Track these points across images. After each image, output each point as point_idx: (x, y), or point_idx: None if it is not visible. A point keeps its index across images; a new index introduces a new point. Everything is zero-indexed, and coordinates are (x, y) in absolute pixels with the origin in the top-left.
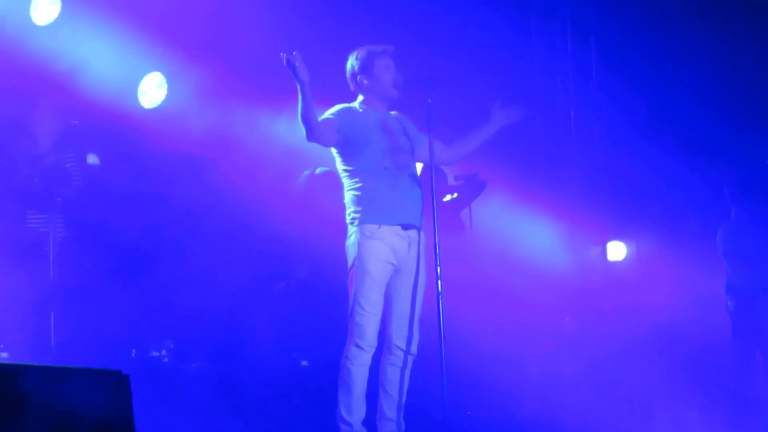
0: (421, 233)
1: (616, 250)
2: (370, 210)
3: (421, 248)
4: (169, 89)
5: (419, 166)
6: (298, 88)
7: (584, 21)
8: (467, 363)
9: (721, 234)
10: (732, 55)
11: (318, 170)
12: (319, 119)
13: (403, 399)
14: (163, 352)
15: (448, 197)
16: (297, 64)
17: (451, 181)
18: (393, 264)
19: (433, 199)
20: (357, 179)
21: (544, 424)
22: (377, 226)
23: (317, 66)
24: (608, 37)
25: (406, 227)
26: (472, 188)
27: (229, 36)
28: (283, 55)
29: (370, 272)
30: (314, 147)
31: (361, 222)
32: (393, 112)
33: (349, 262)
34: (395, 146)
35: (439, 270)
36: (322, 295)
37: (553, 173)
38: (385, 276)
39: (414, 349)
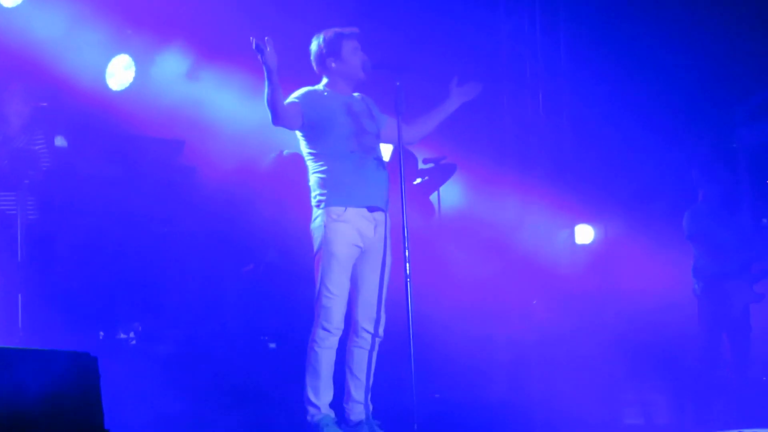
0: (387, 216)
1: (584, 234)
2: (336, 193)
3: (387, 230)
4: (136, 71)
5: (388, 149)
6: (265, 72)
7: (553, 3)
8: (435, 346)
9: (687, 217)
10: (700, 39)
11: (284, 152)
12: (285, 103)
13: (370, 381)
14: (131, 335)
15: (418, 180)
16: (267, 49)
17: (420, 165)
18: (359, 246)
19: (401, 182)
20: (322, 162)
21: (512, 407)
22: (343, 208)
23: (281, 47)
24: (576, 20)
25: (372, 209)
26: (442, 172)
27: (196, 18)
28: (253, 40)
29: (336, 255)
30: (281, 130)
31: (327, 204)
32: (356, 94)
33: (315, 245)
34: (360, 129)
35: (407, 253)
36: (290, 278)
37: (522, 156)
38: (351, 258)
39: (381, 331)
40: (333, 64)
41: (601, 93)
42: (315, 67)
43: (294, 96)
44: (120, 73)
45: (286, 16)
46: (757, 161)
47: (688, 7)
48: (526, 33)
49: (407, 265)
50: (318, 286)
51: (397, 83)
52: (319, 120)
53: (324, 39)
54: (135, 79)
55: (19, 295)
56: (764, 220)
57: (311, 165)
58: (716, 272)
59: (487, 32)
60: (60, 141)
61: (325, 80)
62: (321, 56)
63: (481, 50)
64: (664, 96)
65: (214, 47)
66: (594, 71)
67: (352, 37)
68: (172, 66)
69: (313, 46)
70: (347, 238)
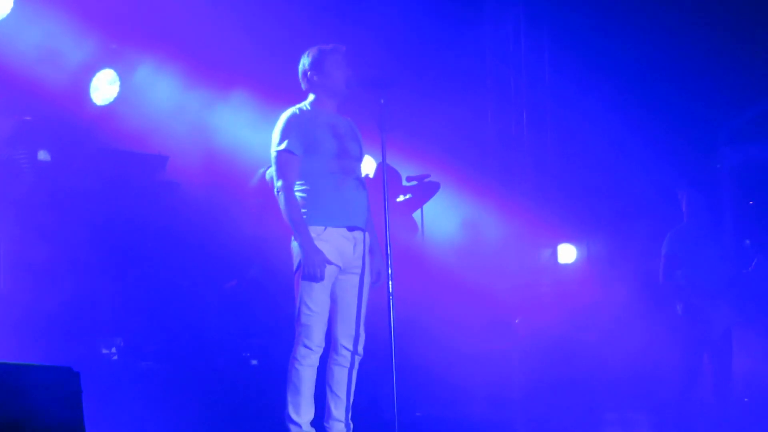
0: (366, 234)
1: (567, 253)
2: (316, 212)
3: (366, 249)
4: (121, 86)
5: (371, 165)
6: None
7: (538, 21)
8: (417, 363)
9: (669, 237)
10: (684, 58)
11: (271, 170)
12: (295, 175)
13: (351, 399)
14: (113, 350)
15: (401, 198)
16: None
17: (404, 182)
18: (338, 265)
19: (384, 200)
20: (303, 181)
21: (494, 425)
22: (323, 227)
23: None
24: (561, 39)
25: (351, 229)
26: (426, 190)
27: (182, 32)
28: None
29: None
30: (267, 146)
31: (307, 223)
32: (342, 117)
33: (295, 264)
34: (343, 151)
35: (390, 270)
36: (273, 294)
37: (505, 175)
38: (331, 277)
39: (360, 349)
40: (316, 78)
41: (585, 111)
42: (302, 84)
43: (286, 143)
44: (104, 87)
45: (275, 36)
46: (741, 181)
47: (673, 25)
48: (510, 51)
49: (390, 282)
50: (298, 304)
51: (382, 101)
52: (305, 141)
53: (309, 55)
54: (119, 93)
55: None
56: (747, 241)
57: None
58: (698, 294)
59: (472, 51)
60: (43, 155)
61: (311, 97)
62: (305, 71)
63: (466, 68)
64: (648, 114)
65: (200, 63)
66: (578, 88)
67: (335, 52)
68: (157, 81)
69: (300, 63)
70: (327, 257)
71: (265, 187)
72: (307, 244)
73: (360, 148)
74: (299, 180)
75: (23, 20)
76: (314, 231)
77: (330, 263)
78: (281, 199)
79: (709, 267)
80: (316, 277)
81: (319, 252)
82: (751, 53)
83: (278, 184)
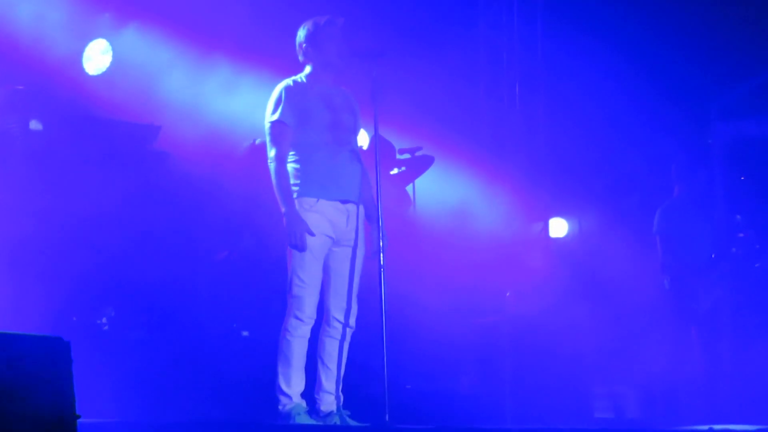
0: (360, 207)
1: (558, 227)
2: (309, 183)
3: (360, 221)
4: (114, 56)
5: (365, 137)
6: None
7: None
8: (408, 336)
9: (660, 213)
10: (676, 34)
11: (259, 140)
12: (276, 124)
13: (342, 372)
14: (104, 320)
15: (395, 171)
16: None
17: (397, 155)
18: (331, 237)
19: (377, 173)
20: (296, 152)
21: (484, 398)
22: (315, 199)
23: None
24: (554, 13)
25: (344, 201)
26: (419, 163)
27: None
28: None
29: (308, 245)
30: (258, 118)
31: (300, 195)
32: (338, 87)
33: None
34: (338, 122)
35: (381, 243)
36: (264, 266)
37: (497, 149)
38: (324, 249)
39: (352, 321)
40: (311, 51)
41: (578, 87)
42: (299, 56)
43: (279, 111)
44: (97, 57)
45: (268, 5)
46: (732, 157)
47: (666, 2)
48: (503, 24)
49: (381, 255)
50: (290, 275)
51: (374, 73)
52: (298, 112)
53: (305, 27)
54: (112, 63)
55: None
56: (738, 217)
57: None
58: (686, 268)
59: (464, 24)
60: (35, 124)
61: (308, 69)
62: (301, 44)
63: (458, 41)
64: (641, 90)
65: (194, 33)
66: (571, 65)
67: (330, 25)
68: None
69: (297, 35)
70: (319, 229)
71: (257, 156)
72: (290, 214)
73: (356, 120)
74: (292, 151)
75: None
76: (307, 203)
77: (312, 234)
78: (272, 168)
79: (698, 242)
80: (298, 246)
81: (301, 221)
82: (743, 28)
83: (270, 154)
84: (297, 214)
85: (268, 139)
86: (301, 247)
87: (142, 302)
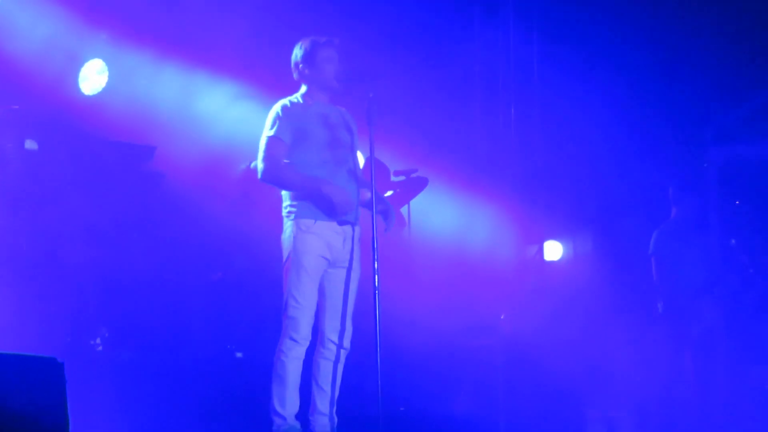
0: (356, 228)
1: (553, 250)
2: (306, 205)
3: (356, 243)
4: (110, 76)
5: (360, 159)
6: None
7: (527, 17)
8: (402, 358)
9: (656, 235)
10: (672, 57)
11: (254, 163)
12: (281, 159)
13: (336, 393)
14: (98, 341)
15: (389, 193)
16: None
17: (392, 177)
18: (327, 258)
19: (372, 195)
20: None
21: (479, 421)
22: (313, 220)
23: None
24: (550, 35)
25: (341, 223)
26: (413, 185)
27: (174, 24)
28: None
29: (304, 266)
30: (254, 139)
31: (297, 216)
32: (335, 106)
33: (284, 256)
34: (335, 140)
35: (376, 265)
36: (258, 287)
37: (492, 171)
38: (320, 270)
39: (347, 343)
40: (307, 71)
41: (573, 109)
42: (294, 74)
43: (277, 128)
44: (93, 77)
45: (263, 25)
46: (728, 180)
47: (661, 26)
48: (499, 46)
49: (376, 277)
50: (286, 296)
51: (371, 95)
52: (295, 131)
53: (301, 46)
54: (108, 83)
55: None
56: (732, 241)
57: None
58: (680, 292)
59: (460, 46)
60: (30, 144)
61: (303, 88)
62: (297, 63)
63: (454, 64)
64: (636, 112)
65: (191, 53)
66: (567, 87)
67: (328, 45)
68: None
69: (293, 54)
70: (316, 250)
71: (250, 179)
72: (323, 186)
73: (353, 138)
74: None
75: (11, 9)
76: (304, 224)
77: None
78: (269, 178)
79: (693, 265)
80: (343, 205)
81: (336, 189)
82: (738, 52)
83: (260, 166)
84: (328, 183)
85: (261, 155)
86: (347, 208)
87: (136, 323)
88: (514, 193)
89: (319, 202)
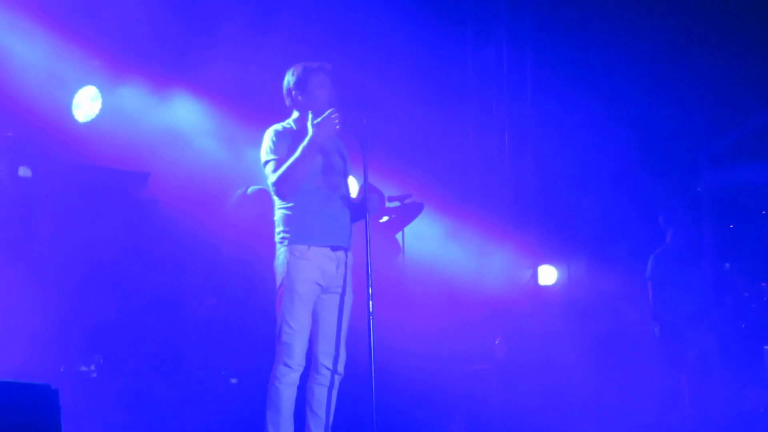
0: (349, 254)
1: (547, 274)
2: (300, 231)
3: (349, 269)
4: (103, 103)
5: (354, 185)
6: (310, 141)
7: (520, 42)
8: (397, 383)
9: (653, 259)
10: (665, 82)
11: (250, 189)
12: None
13: (330, 419)
14: (92, 367)
15: (384, 219)
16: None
17: (387, 203)
18: (320, 285)
19: (366, 221)
20: (288, 198)
21: None
22: (306, 247)
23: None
24: (543, 61)
25: (335, 248)
26: (408, 211)
27: (166, 51)
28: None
29: (298, 292)
30: (248, 165)
31: (291, 242)
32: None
33: (278, 282)
34: (328, 166)
35: (370, 290)
36: (252, 313)
37: (486, 196)
38: (313, 296)
39: (341, 368)
40: (300, 98)
41: (567, 135)
42: (286, 101)
43: (272, 152)
44: (86, 104)
45: (258, 53)
46: (721, 204)
47: (654, 48)
48: (493, 72)
49: (370, 303)
50: (279, 322)
51: (364, 120)
52: (289, 156)
53: (293, 73)
54: (101, 110)
55: None
56: (726, 265)
57: (277, 200)
58: (676, 315)
59: (454, 72)
60: (24, 171)
61: (295, 114)
62: (289, 90)
63: (448, 89)
64: (630, 136)
65: (185, 80)
66: (560, 113)
67: (320, 71)
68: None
69: (285, 80)
70: (309, 276)
71: (244, 206)
72: (314, 128)
73: (345, 164)
74: (285, 197)
75: (5, 35)
76: (297, 250)
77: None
78: (283, 185)
79: (688, 290)
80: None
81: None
82: (732, 76)
83: (274, 186)
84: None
85: (271, 179)
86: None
87: (131, 350)
88: (508, 217)
89: (314, 226)
